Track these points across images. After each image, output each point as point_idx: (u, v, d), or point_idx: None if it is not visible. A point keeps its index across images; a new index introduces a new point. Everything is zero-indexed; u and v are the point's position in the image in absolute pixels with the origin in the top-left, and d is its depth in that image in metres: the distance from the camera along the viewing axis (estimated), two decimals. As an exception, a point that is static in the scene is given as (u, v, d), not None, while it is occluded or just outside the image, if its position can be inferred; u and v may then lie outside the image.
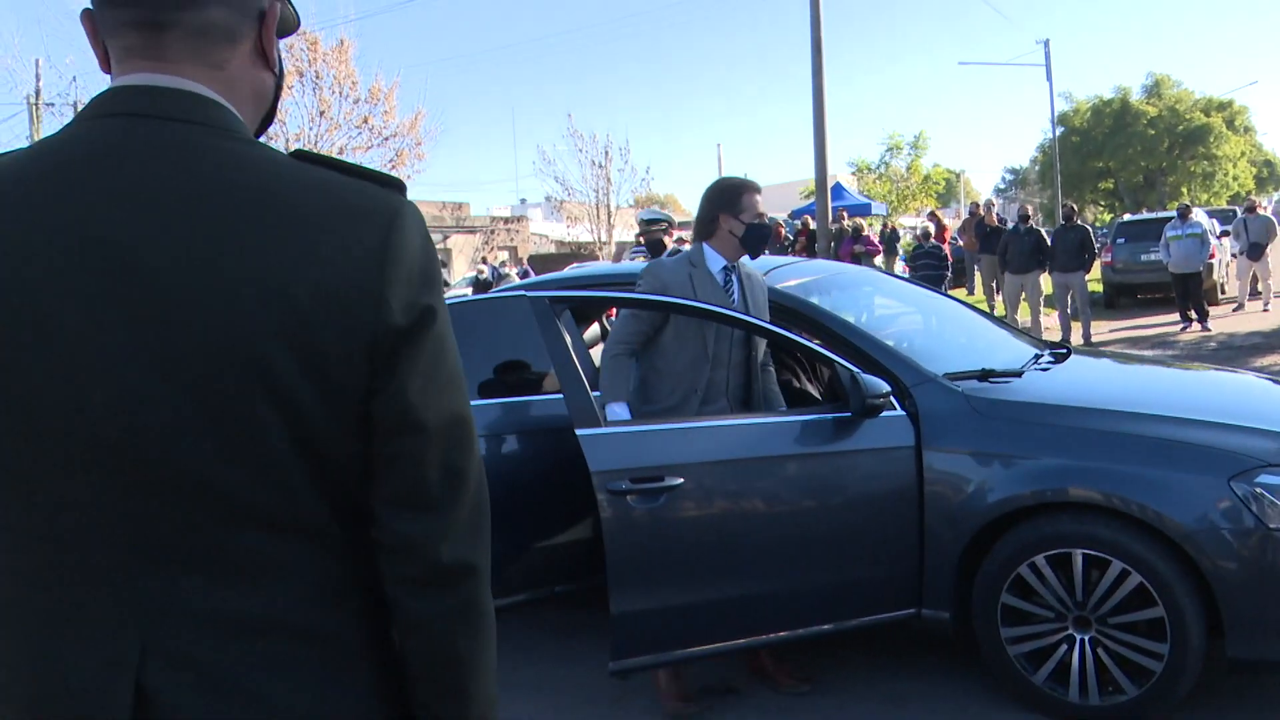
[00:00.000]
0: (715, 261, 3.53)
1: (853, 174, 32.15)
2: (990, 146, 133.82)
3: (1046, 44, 31.19)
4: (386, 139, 22.52)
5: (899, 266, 23.79)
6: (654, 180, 30.39)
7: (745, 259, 3.61)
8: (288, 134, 21.87)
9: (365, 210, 0.97)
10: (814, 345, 3.53)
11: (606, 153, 27.11)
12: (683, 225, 21.41)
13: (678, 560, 3.23)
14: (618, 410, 3.35)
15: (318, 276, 0.93)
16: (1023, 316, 12.92)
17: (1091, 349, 9.98)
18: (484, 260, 23.70)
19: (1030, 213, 13.01)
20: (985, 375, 3.63)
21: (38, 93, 23.08)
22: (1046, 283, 12.85)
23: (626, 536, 3.15)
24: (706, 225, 3.55)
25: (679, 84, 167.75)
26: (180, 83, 0.99)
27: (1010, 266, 12.58)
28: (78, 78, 22.87)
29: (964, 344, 4.44)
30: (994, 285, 14.78)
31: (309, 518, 0.97)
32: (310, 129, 21.97)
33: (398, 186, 1.04)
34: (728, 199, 3.50)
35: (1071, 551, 3.20)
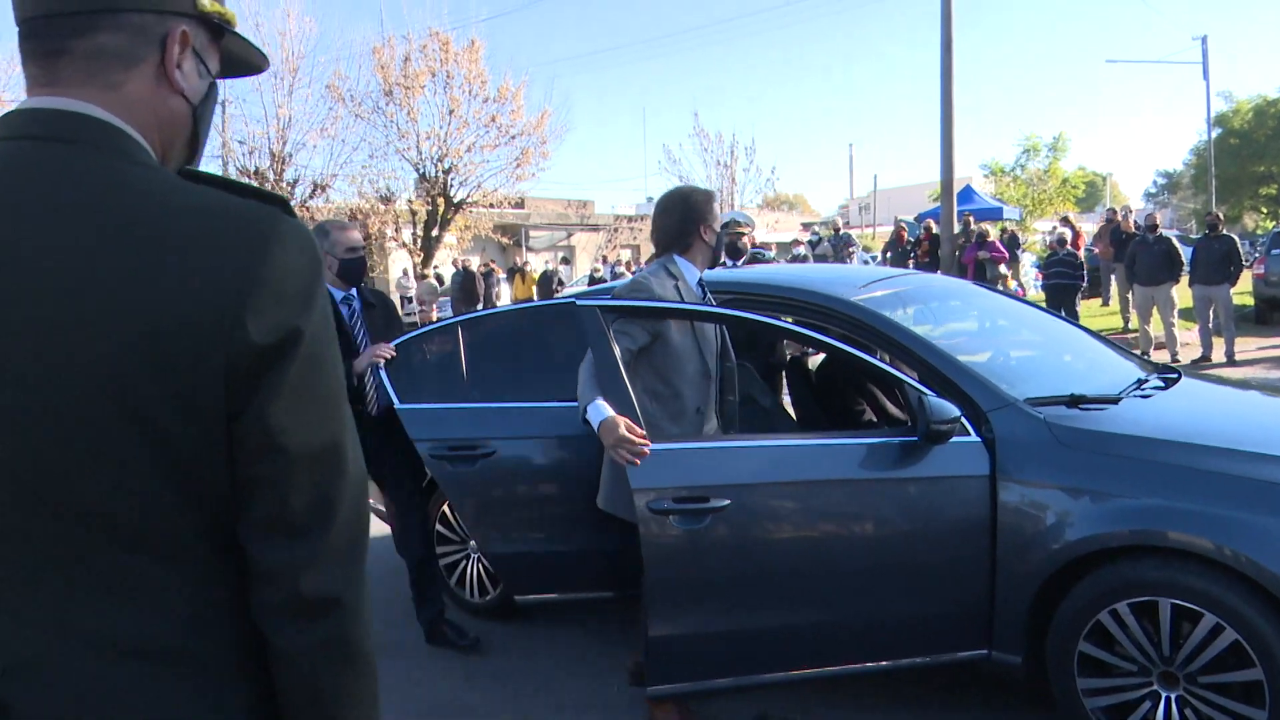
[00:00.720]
0: (692, 274, 3.41)
1: (985, 176, 30.97)
2: (1141, 149, 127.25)
3: (1204, 40, 29.37)
4: (513, 137, 22.91)
5: (1030, 274, 22.84)
6: (779, 180, 29.78)
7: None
8: (419, 132, 22.51)
9: (236, 230, 0.96)
10: (879, 363, 3.31)
11: (732, 152, 26.92)
12: (812, 225, 21.15)
13: (720, 585, 3.09)
14: (599, 408, 3.00)
15: (177, 298, 0.93)
16: (1157, 331, 12.12)
17: (1208, 374, 9.27)
18: (603, 259, 23.83)
19: (1159, 220, 12.16)
20: (1075, 401, 3.34)
21: None
22: (1185, 295, 12.01)
23: (667, 558, 3.03)
24: (683, 237, 3.39)
25: (810, 83, 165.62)
26: (69, 104, 1.00)
27: (1139, 278, 11.81)
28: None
29: (1060, 365, 4.13)
30: (1129, 297, 13.94)
31: (181, 541, 0.97)
32: (440, 127, 22.54)
33: (280, 204, 1.03)
34: (704, 209, 3.38)
35: (1159, 600, 2.90)
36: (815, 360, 5.09)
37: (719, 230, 3.43)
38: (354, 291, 4.06)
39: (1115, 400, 3.45)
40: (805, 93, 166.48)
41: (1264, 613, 2.75)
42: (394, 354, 3.96)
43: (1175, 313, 11.72)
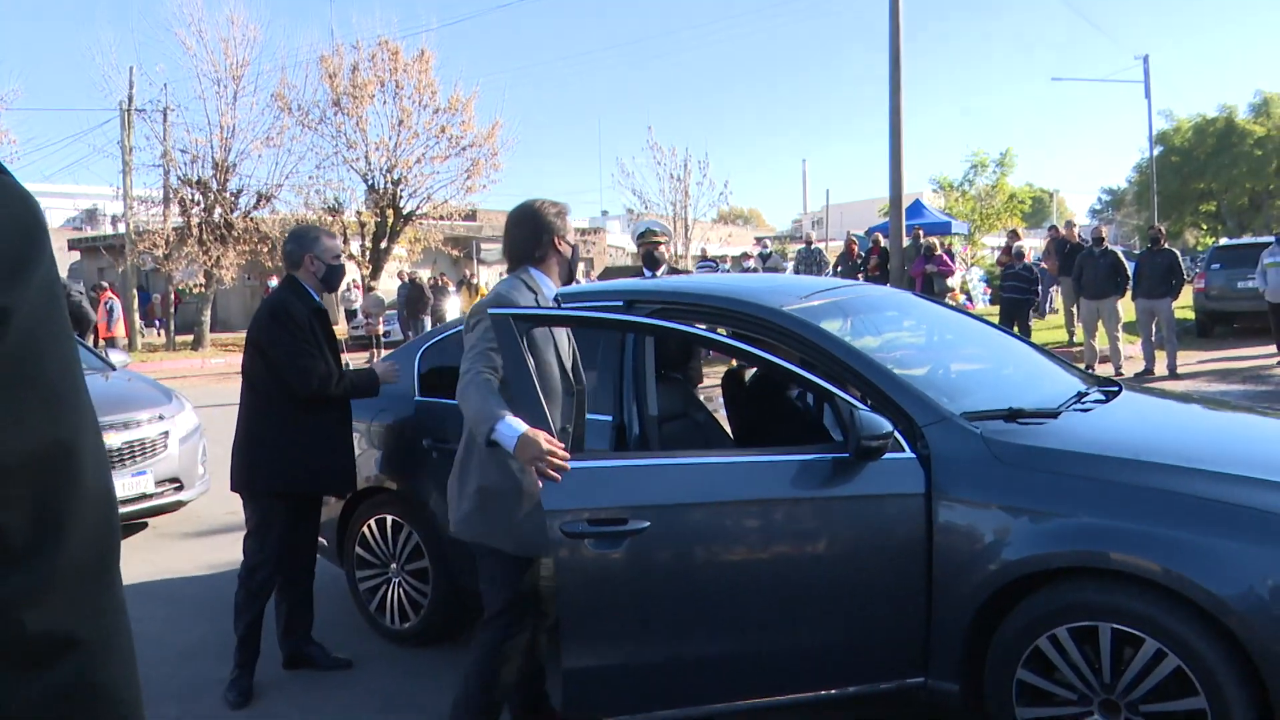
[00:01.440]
0: (549, 287, 3.27)
1: (934, 191, 31.22)
2: (1086, 166, 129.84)
3: (1146, 60, 29.92)
4: (464, 149, 22.63)
5: (980, 288, 23.02)
6: (732, 194, 29.68)
7: None
8: (368, 142, 22.16)
9: None
10: (810, 375, 3.16)
11: (685, 165, 26.83)
12: (763, 239, 21.16)
13: (641, 613, 2.94)
14: (512, 425, 2.78)
15: None
16: (1102, 345, 12.18)
17: (1150, 387, 9.30)
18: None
19: (1105, 234, 12.22)
20: (1013, 415, 3.21)
21: (130, 99, 23.73)
22: (1129, 309, 12.09)
23: (582, 584, 2.86)
24: (536, 249, 3.24)
25: (764, 98, 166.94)
26: None
27: (1085, 291, 11.86)
28: (167, 85, 23.57)
29: (1000, 378, 4.01)
30: (1075, 310, 14.03)
31: None
32: (390, 138, 22.22)
33: None
34: (555, 222, 3.27)
35: (1099, 625, 2.77)
36: (751, 373, 4.94)
37: (572, 244, 3.32)
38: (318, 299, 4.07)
39: (1054, 414, 3.32)
40: (759, 108, 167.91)
41: (1206, 637, 2.62)
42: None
43: (1120, 326, 11.79)
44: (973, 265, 26.05)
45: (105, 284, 19.24)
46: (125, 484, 5.91)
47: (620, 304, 3.74)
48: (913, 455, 3.06)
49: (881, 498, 3.03)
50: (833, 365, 3.31)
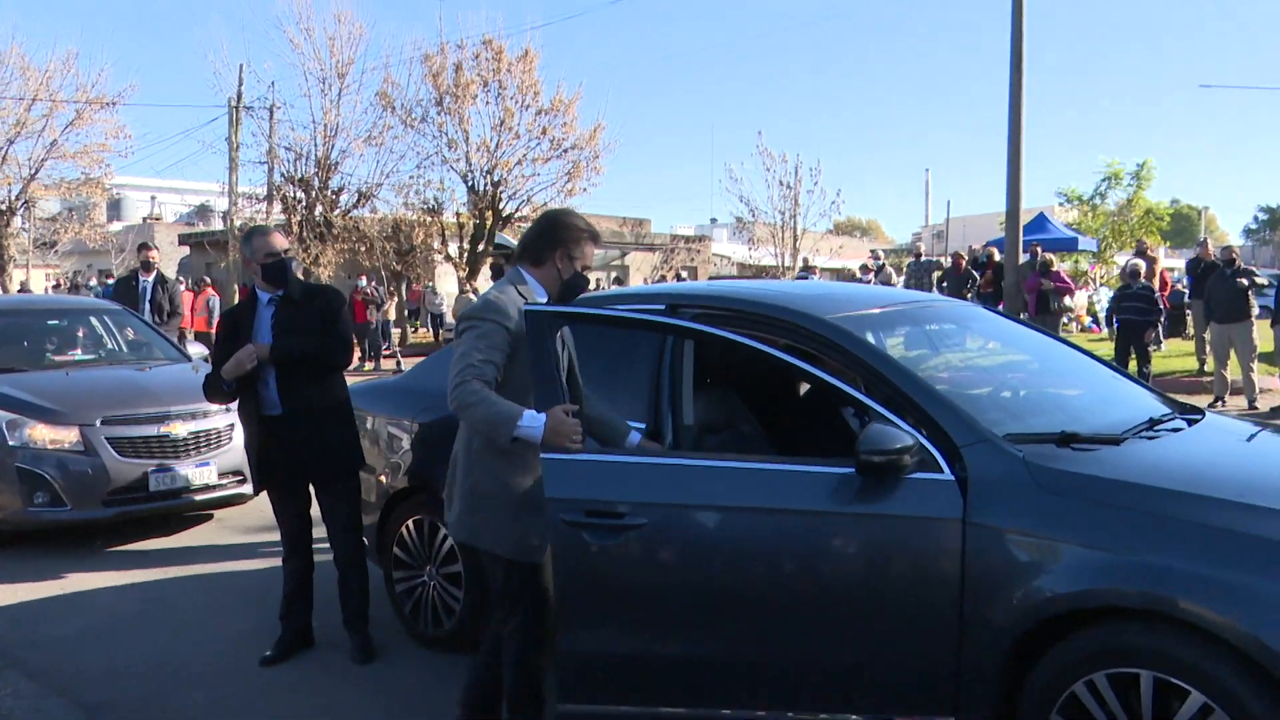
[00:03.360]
0: (541, 295, 3.21)
1: (1061, 205, 29.92)
2: (1242, 182, 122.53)
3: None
4: (565, 151, 22.60)
5: (1107, 309, 21.89)
6: (844, 203, 28.87)
7: None
8: (469, 143, 22.35)
9: None
10: (842, 385, 3.01)
11: (796, 172, 26.37)
12: (876, 251, 20.62)
13: (635, 607, 2.98)
14: (533, 417, 2.88)
15: None
16: (1235, 375, 11.30)
17: (1243, 417, 8.60)
18: (660, 279, 23.54)
19: (1237, 254, 11.41)
20: (1066, 440, 2.97)
21: (239, 96, 24.73)
22: (1269, 337, 11.22)
23: (578, 572, 2.95)
24: (537, 252, 3.23)
25: (886, 105, 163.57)
26: None
27: (1215, 314, 11.10)
28: (275, 83, 24.37)
29: (1065, 400, 3.74)
30: (1206, 336, 13.13)
31: None
32: (491, 138, 22.38)
33: None
34: (568, 238, 3.22)
35: (1140, 672, 2.52)
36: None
37: (576, 267, 3.23)
38: (280, 292, 4.20)
39: (1116, 440, 3.06)
40: (882, 112, 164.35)
41: (1261, 696, 2.35)
42: (258, 357, 4.06)
43: (1255, 355, 10.96)
44: (1103, 285, 24.82)
45: (207, 280, 20.04)
46: (190, 474, 6.08)
47: (662, 308, 3.65)
48: (950, 477, 2.86)
49: (907, 519, 2.85)
50: (870, 378, 3.14)
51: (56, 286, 32.00)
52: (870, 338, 3.34)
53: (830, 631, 2.89)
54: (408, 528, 4.29)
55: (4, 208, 24.97)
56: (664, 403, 3.54)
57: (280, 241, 4.24)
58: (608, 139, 23.18)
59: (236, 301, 5.38)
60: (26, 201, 26.09)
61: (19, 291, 24.70)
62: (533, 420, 2.87)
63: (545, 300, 3.21)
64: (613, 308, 3.57)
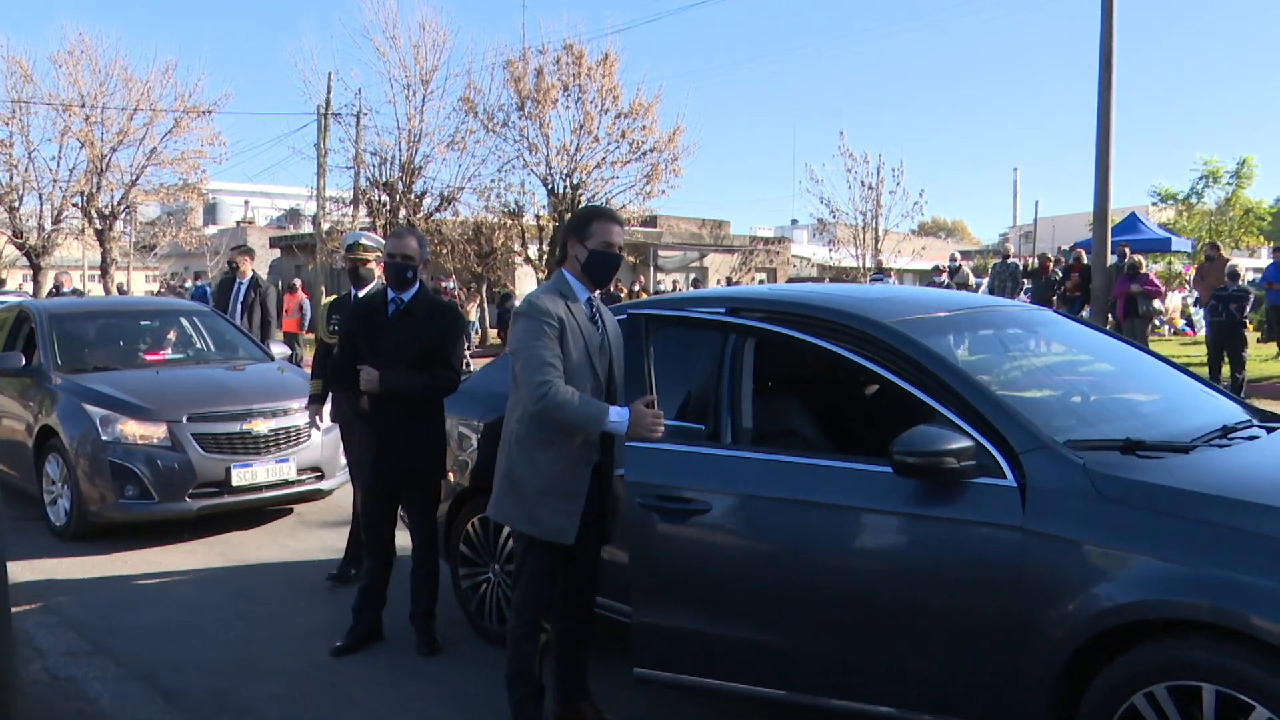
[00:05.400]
0: (581, 291, 3.38)
1: (1154, 205, 28.94)
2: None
3: None
4: (644, 153, 22.69)
5: (1186, 310, 21.07)
6: (928, 204, 28.29)
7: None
8: (550, 146, 22.56)
9: None
10: (907, 386, 3.07)
11: (878, 173, 26.00)
12: (955, 254, 20.19)
13: (701, 587, 3.21)
14: (618, 412, 3.18)
15: None
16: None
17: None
18: (728, 281, 23.42)
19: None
20: (1131, 447, 2.90)
21: (327, 103, 25.36)
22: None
23: (648, 551, 3.26)
24: (562, 249, 3.46)
25: (972, 99, 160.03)
26: None
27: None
28: (361, 90, 24.90)
29: (1136, 406, 3.64)
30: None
31: None
32: (571, 141, 22.59)
33: None
34: (577, 223, 3.41)
35: (1202, 686, 2.45)
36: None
37: (592, 246, 3.35)
38: (405, 297, 4.33)
39: (1185, 449, 2.98)
40: (968, 110, 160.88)
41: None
42: (367, 388, 4.21)
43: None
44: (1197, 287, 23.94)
45: (297, 282, 20.60)
46: (269, 469, 6.30)
47: (722, 310, 3.66)
48: (1011, 483, 2.83)
49: (962, 523, 2.84)
50: (928, 382, 3.11)
51: (160, 290, 33.31)
52: (931, 343, 3.29)
53: (880, 628, 2.95)
54: (473, 525, 4.37)
55: (107, 213, 26.07)
56: (722, 404, 3.55)
57: (408, 246, 4.33)
58: (687, 141, 23.27)
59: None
60: (128, 206, 27.19)
61: (118, 293, 25.77)
62: (619, 415, 3.14)
63: (587, 296, 3.38)
64: (693, 310, 3.72)
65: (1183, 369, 4.12)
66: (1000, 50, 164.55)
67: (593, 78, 22.26)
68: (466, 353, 20.13)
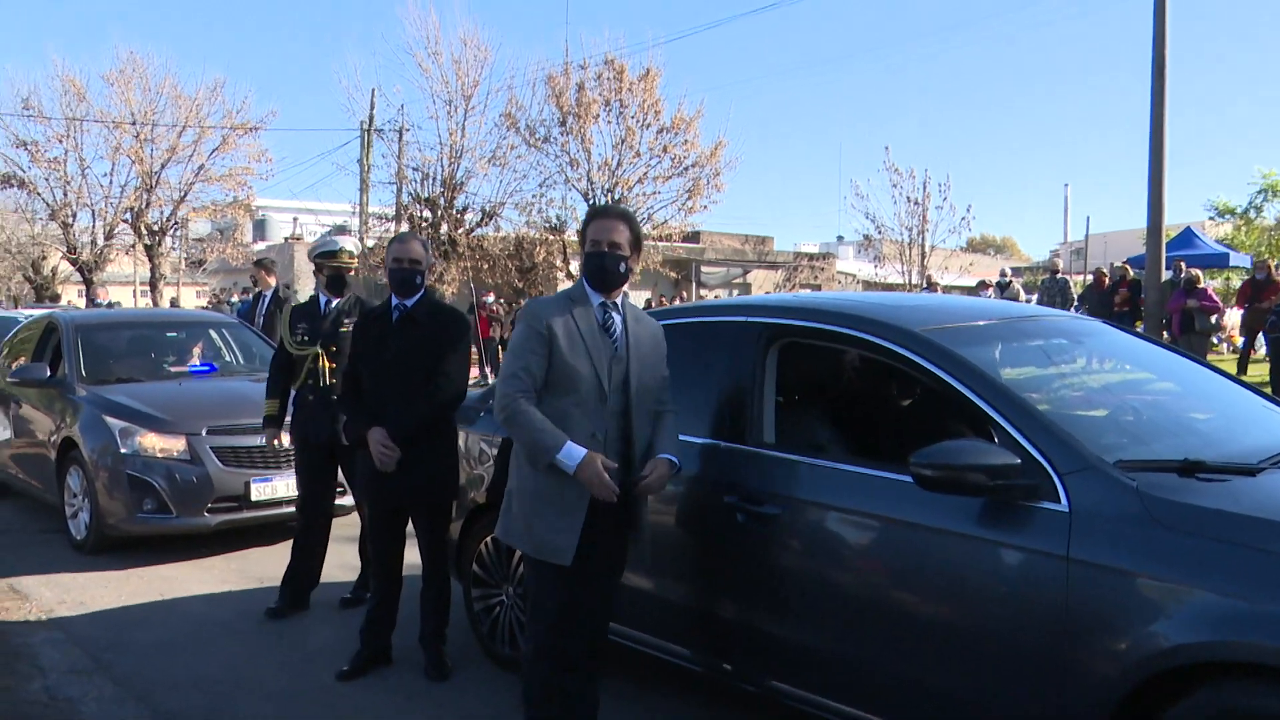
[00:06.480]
0: (593, 297, 3.19)
1: (1211, 219, 28.12)
2: None
3: None
4: (686, 169, 22.54)
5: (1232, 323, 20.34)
6: (975, 219, 27.61)
7: (629, 300, 3.34)
8: (591, 161, 22.49)
9: None
10: (967, 395, 2.88)
11: (924, 188, 25.62)
12: (1005, 270, 19.72)
13: (770, 589, 3.20)
14: (571, 451, 2.98)
15: None
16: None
17: None
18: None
19: None
20: (1190, 469, 2.63)
21: (370, 119, 25.55)
22: None
23: (726, 549, 3.31)
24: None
25: (1021, 113, 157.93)
26: None
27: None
28: (404, 106, 24.98)
29: (1197, 425, 3.35)
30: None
31: None
32: (612, 157, 22.50)
33: None
34: (583, 227, 3.26)
35: (1270, 740, 2.18)
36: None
37: (585, 251, 3.20)
38: (407, 304, 4.14)
39: (1251, 471, 2.69)
40: (1017, 124, 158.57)
41: None
42: (382, 455, 3.97)
43: None
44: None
45: (339, 298, 20.65)
46: (289, 484, 5.92)
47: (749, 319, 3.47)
48: (1065, 509, 2.57)
49: (1002, 546, 2.65)
50: (960, 395, 2.87)
51: (209, 305, 33.82)
52: (964, 352, 3.05)
53: (916, 648, 2.82)
54: (486, 544, 4.17)
55: (157, 229, 26.47)
56: (751, 412, 3.37)
57: (414, 250, 4.18)
58: (729, 156, 23.04)
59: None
60: (178, 223, 27.59)
61: (169, 307, 26.13)
62: (569, 456, 2.97)
63: (600, 300, 3.19)
64: (710, 316, 3.76)
65: (1243, 383, 3.82)
66: (1050, 62, 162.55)
67: (634, 92, 22.14)
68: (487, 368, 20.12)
